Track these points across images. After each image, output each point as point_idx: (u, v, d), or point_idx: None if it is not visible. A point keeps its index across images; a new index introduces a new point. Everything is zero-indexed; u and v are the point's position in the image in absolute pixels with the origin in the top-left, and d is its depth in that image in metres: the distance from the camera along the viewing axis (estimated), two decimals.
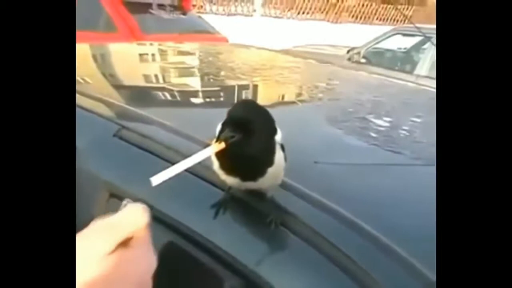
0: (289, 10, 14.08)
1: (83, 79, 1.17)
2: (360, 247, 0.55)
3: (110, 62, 1.68)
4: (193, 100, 1.25)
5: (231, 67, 1.61)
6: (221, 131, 0.53)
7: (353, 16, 15.07)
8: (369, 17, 15.28)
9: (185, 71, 1.55)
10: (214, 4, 12.61)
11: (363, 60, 5.22)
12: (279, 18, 13.66)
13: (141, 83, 1.37)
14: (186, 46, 2.17)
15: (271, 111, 0.59)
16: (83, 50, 1.61)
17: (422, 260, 0.53)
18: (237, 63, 1.70)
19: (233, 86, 1.34)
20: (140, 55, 1.85)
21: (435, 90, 1.52)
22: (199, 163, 0.49)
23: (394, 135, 1.01)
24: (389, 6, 15.06)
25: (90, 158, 0.75)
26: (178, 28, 4.47)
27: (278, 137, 0.59)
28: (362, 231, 0.57)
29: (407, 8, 15.29)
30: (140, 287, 0.39)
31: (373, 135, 0.95)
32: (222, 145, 0.51)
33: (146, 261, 0.40)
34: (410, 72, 4.86)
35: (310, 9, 14.36)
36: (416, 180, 0.79)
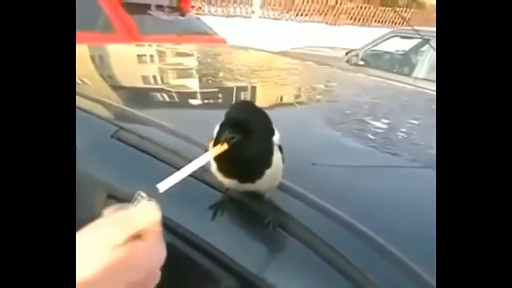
0: (287, 12, 14.10)
1: (81, 80, 1.17)
2: (357, 249, 0.56)
3: (108, 63, 1.68)
4: (192, 101, 1.25)
5: (230, 68, 1.61)
6: (220, 133, 0.53)
7: (351, 18, 15.10)
8: (367, 19, 15.31)
9: (184, 73, 1.55)
10: (213, 5, 12.61)
11: (361, 62, 5.22)
12: (277, 20, 13.67)
13: (139, 84, 1.37)
14: (185, 48, 2.17)
15: (270, 112, 0.59)
16: (81, 51, 1.60)
17: (419, 261, 0.54)
18: (236, 65, 1.70)
19: (232, 88, 1.34)
20: (139, 56, 1.85)
21: (433, 92, 1.52)
22: None
23: (391, 137, 1.01)
24: (387, 8, 15.10)
25: (87, 159, 0.75)
26: (176, 30, 4.46)
27: (276, 139, 0.59)
28: (359, 233, 0.57)
29: (405, 11, 15.33)
30: (149, 277, 0.40)
31: (371, 137, 0.95)
32: (225, 146, 0.51)
33: (156, 253, 0.41)
34: (408, 74, 4.87)
35: (309, 11, 14.38)
36: (414, 182, 0.80)
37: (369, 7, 15.27)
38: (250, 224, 0.62)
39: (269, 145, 0.58)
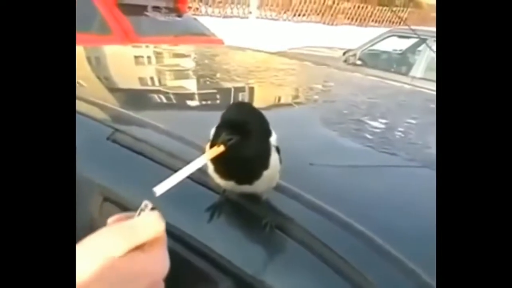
0: (285, 12, 14.11)
1: (77, 82, 1.16)
2: (355, 249, 0.55)
3: (105, 65, 1.67)
4: (189, 102, 1.25)
5: (227, 69, 1.61)
6: (217, 135, 0.53)
7: (348, 18, 15.13)
8: (364, 19, 15.35)
9: (181, 74, 1.55)
10: (210, 6, 12.61)
11: (358, 62, 5.23)
12: (275, 20, 13.69)
13: (137, 85, 1.36)
14: (182, 49, 2.17)
15: (267, 113, 0.59)
16: (77, 53, 1.60)
17: (417, 261, 0.53)
18: (233, 65, 1.70)
19: (229, 89, 1.34)
20: (136, 57, 1.84)
21: (430, 92, 1.53)
22: None
23: (389, 136, 1.01)
24: (384, 8, 15.14)
25: (83, 162, 0.75)
26: (173, 30, 4.46)
27: (273, 139, 0.59)
28: (356, 233, 0.57)
29: (403, 10, 15.38)
30: None
31: (368, 136, 0.95)
32: (221, 148, 0.50)
33: (159, 263, 0.41)
34: (406, 73, 4.88)
35: (306, 11, 14.40)
36: (411, 182, 0.79)
37: (367, 7, 15.30)
38: (247, 226, 0.62)
39: (267, 146, 0.57)
